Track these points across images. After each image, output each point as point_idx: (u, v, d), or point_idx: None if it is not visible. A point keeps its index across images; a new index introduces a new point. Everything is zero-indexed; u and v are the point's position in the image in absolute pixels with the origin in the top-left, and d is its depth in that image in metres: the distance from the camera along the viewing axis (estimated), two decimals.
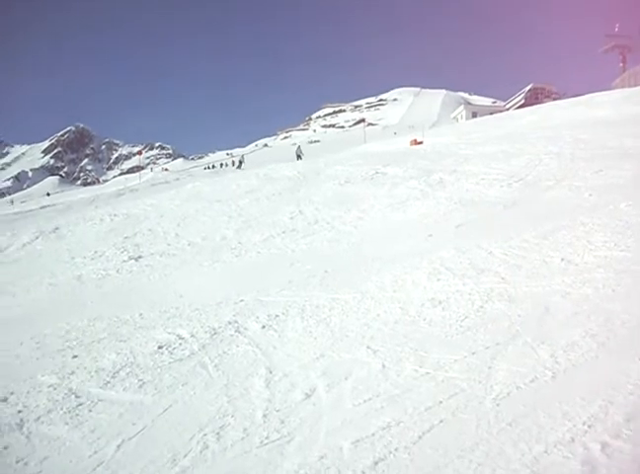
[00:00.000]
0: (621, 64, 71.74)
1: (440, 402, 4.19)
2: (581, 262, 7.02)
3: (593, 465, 3.16)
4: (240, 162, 58.43)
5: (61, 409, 5.26)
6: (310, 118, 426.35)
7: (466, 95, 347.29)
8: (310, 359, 5.53)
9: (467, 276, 7.26)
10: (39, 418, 5.14)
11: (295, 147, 64.34)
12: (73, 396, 5.53)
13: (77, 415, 5.10)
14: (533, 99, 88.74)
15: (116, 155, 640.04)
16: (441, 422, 3.94)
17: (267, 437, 4.15)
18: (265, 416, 4.49)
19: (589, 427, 3.55)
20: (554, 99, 75.56)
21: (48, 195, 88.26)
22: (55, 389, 5.76)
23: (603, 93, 40.57)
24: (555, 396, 4.00)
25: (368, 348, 5.53)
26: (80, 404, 5.32)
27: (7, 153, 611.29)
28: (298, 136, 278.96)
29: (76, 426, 4.89)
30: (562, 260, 7.19)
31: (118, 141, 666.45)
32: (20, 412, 5.32)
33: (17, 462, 4.38)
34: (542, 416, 3.78)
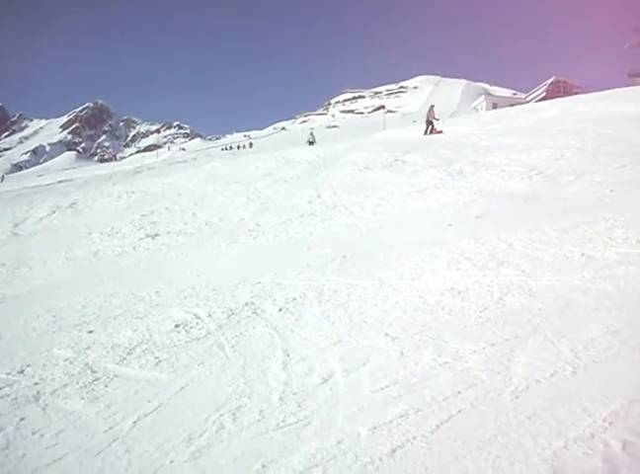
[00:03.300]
0: None
1: (459, 392, 4.16)
2: (602, 257, 6.95)
3: (614, 464, 3.13)
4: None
5: (77, 383, 5.27)
6: (329, 103, 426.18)
7: (487, 86, 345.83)
8: (328, 344, 5.51)
9: (487, 267, 7.22)
10: (54, 391, 5.16)
11: (308, 133, 62.46)
12: (89, 371, 5.54)
13: (93, 390, 5.11)
14: (555, 92, 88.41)
15: (133, 133, 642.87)
16: (460, 412, 3.92)
17: (283, 420, 4.14)
18: (281, 399, 4.47)
19: (609, 424, 3.52)
20: (576, 93, 75.17)
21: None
22: (71, 363, 5.78)
23: (628, 88, 40.25)
24: (575, 391, 3.96)
25: (387, 335, 5.51)
26: (96, 379, 5.33)
27: (26, 127, 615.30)
28: (317, 121, 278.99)
29: (92, 400, 4.90)
30: (583, 255, 7.12)
31: (136, 119, 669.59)
32: (36, 384, 5.33)
33: (33, 434, 4.40)
34: (562, 411, 3.74)
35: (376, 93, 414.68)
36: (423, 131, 33.52)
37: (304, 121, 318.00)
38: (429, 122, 34.18)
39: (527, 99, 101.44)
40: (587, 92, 64.01)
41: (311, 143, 46.64)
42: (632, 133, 18.64)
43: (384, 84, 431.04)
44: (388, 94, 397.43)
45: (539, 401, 3.91)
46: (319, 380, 4.72)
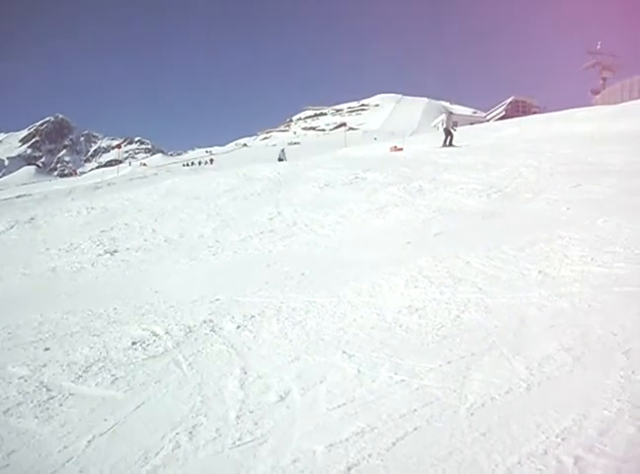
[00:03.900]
0: (601, 81, 72.71)
1: (415, 410, 4.19)
2: (557, 275, 7.06)
3: None
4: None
5: (31, 402, 5.19)
6: (291, 120, 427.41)
7: (448, 104, 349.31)
8: (285, 362, 5.50)
9: (444, 284, 7.27)
10: (7, 410, 5.07)
11: (279, 150, 62.46)
12: (44, 389, 5.45)
13: (47, 408, 5.03)
14: (514, 111, 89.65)
15: (94, 147, 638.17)
16: (416, 429, 3.94)
17: (239, 439, 4.12)
18: (238, 417, 4.46)
19: (562, 439, 3.57)
20: (535, 112, 76.29)
21: None
22: (26, 381, 5.68)
23: (584, 109, 40.95)
24: (529, 408, 4.02)
25: (344, 352, 5.52)
26: (51, 397, 5.25)
27: None
28: (278, 137, 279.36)
29: (46, 419, 4.83)
30: (539, 272, 7.23)
31: (97, 134, 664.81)
32: None
33: None
34: (516, 427, 3.79)
35: (338, 110, 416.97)
36: (441, 143, 30.55)
37: (266, 138, 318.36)
38: (447, 132, 30.85)
39: (487, 117, 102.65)
40: (545, 112, 65.01)
41: (281, 160, 46.34)
42: (588, 153, 18.99)
43: (346, 101, 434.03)
44: (350, 111, 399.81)
45: (494, 418, 3.95)
46: (276, 398, 4.71)
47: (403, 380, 4.72)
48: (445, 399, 4.30)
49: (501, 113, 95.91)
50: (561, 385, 4.32)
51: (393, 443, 3.80)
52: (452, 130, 30.78)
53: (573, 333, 5.26)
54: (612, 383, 4.21)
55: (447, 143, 30.06)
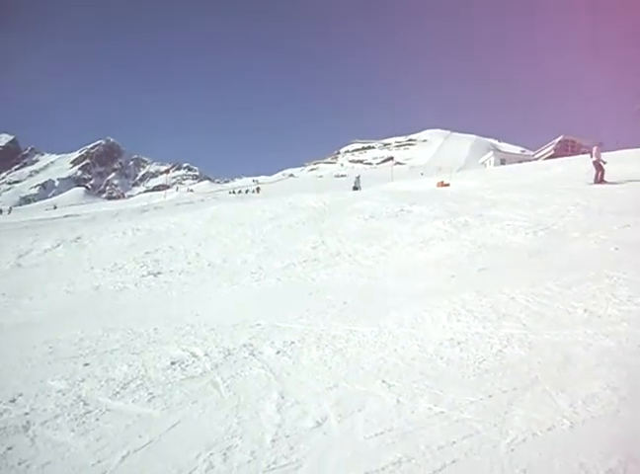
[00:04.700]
0: None
1: (454, 442, 4.09)
2: (604, 314, 6.90)
3: None
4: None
5: (68, 415, 5.20)
6: (338, 152, 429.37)
7: (495, 141, 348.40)
8: (323, 388, 5.44)
9: (488, 319, 7.16)
10: (45, 422, 5.09)
11: (355, 177, 61.71)
12: (81, 403, 5.47)
13: (84, 422, 5.04)
14: (563, 150, 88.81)
15: (143, 172, 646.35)
16: (454, 462, 3.84)
17: (274, 462, 4.06)
18: (274, 440, 4.40)
19: None
20: (584, 152, 75.61)
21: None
22: (64, 395, 5.71)
23: (635, 150, 40.42)
24: (572, 446, 3.89)
25: (383, 382, 5.44)
26: (88, 412, 5.26)
27: (37, 161, 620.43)
28: (326, 169, 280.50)
29: (82, 433, 4.82)
30: (585, 311, 7.07)
31: (146, 158, 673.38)
32: (26, 414, 5.27)
33: (19, 464, 4.32)
34: (558, 465, 3.67)
35: (385, 144, 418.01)
36: (593, 178, 24.60)
37: (313, 169, 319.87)
38: (598, 166, 24.88)
39: (536, 156, 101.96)
40: None
41: (356, 189, 45.96)
42: (637, 194, 18.70)
43: (394, 136, 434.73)
44: (397, 146, 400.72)
45: (535, 454, 3.83)
46: (313, 424, 4.64)
47: (442, 412, 4.63)
48: (485, 433, 4.19)
49: (550, 152, 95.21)
50: (607, 425, 4.18)
51: None
52: (602, 164, 25.01)
53: (619, 373, 5.11)
54: None
55: (599, 179, 24.64)
